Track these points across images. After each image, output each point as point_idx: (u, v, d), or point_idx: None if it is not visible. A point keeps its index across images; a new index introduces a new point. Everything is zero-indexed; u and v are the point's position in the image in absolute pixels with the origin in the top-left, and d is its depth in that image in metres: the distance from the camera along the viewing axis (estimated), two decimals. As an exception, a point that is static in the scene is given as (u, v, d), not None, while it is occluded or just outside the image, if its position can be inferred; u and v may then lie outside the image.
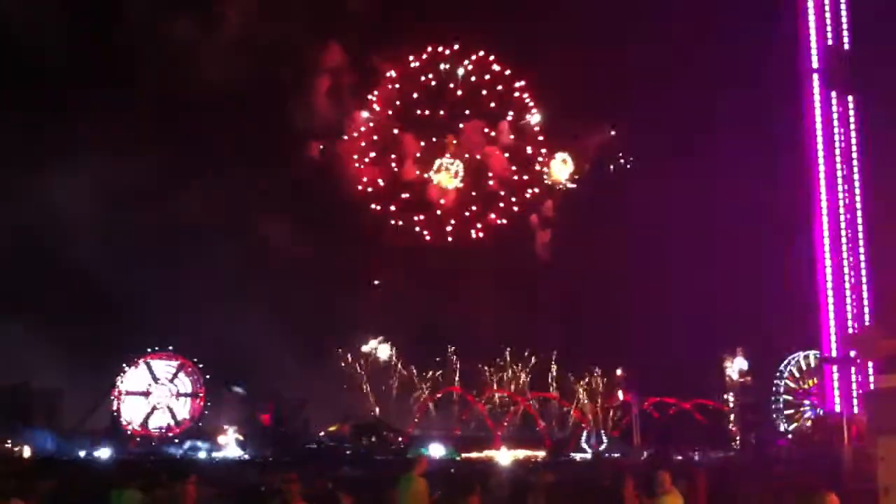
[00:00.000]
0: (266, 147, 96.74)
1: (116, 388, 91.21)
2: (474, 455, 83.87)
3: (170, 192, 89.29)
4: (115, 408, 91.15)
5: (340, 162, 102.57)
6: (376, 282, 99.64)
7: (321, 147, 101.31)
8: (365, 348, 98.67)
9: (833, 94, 72.40)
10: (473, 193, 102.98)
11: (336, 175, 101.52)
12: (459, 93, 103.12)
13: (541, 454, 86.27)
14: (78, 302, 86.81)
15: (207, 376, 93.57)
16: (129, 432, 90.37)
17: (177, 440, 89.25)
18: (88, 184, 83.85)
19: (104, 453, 77.03)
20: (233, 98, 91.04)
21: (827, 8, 72.48)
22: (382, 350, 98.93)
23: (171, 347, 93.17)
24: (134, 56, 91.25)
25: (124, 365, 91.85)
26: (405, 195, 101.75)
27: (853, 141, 72.59)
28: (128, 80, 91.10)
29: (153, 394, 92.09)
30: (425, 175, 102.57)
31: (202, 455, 79.92)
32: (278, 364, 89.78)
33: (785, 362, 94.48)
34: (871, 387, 62.08)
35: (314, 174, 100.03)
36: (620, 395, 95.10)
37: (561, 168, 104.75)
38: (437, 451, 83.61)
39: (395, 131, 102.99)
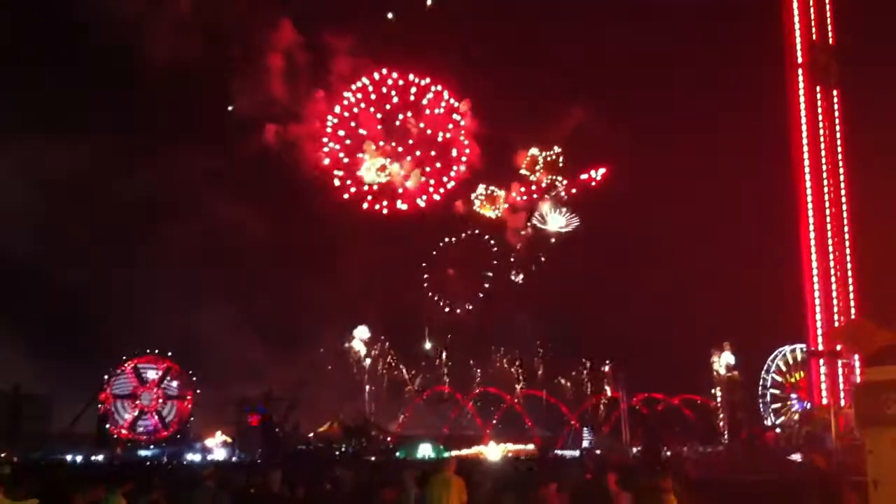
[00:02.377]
0: (218, 129, 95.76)
1: (103, 392, 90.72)
2: (463, 452, 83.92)
3: (127, 177, 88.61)
4: (101, 412, 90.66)
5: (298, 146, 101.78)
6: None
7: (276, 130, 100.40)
8: (351, 344, 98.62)
9: (818, 88, 72.67)
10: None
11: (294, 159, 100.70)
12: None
13: (530, 447, 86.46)
14: (52, 305, 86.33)
15: (195, 378, 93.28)
16: (115, 437, 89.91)
17: (164, 444, 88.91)
18: (26, 168, 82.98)
19: (91, 457, 76.70)
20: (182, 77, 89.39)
21: (811, 3, 72.79)
22: (359, 342, 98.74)
23: (157, 351, 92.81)
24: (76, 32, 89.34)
25: (112, 368, 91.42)
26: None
27: (838, 136, 72.93)
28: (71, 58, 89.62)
29: (140, 397, 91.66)
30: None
31: (195, 458, 79.57)
32: (263, 363, 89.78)
33: (772, 356, 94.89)
34: (859, 380, 62.51)
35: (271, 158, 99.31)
36: (608, 391, 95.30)
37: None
38: (425, 450, 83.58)
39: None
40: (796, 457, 46.71)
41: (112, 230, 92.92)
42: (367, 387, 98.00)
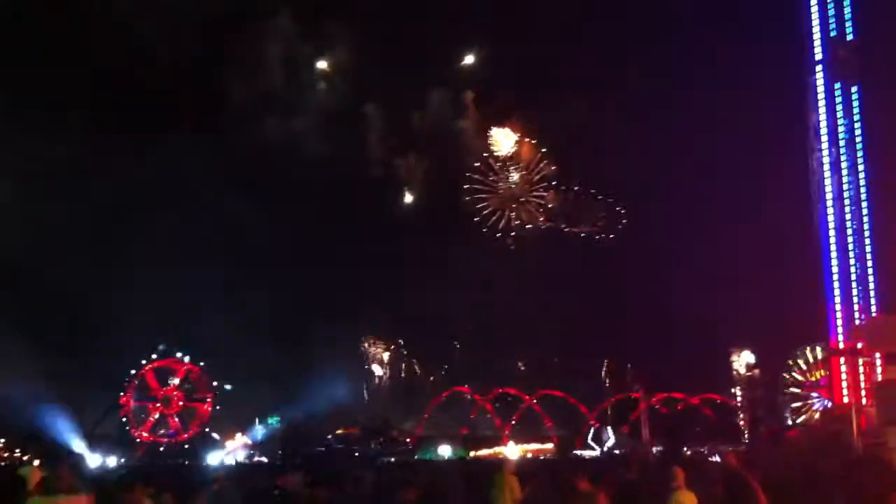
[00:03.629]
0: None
1: (124, 396, 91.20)
2: (483, 453, 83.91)
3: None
4: (123, 416, 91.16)
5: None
6: None
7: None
8: (370, 346, 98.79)
9: (837, 84, 72.17)
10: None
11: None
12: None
13: (548, 446, 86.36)
14: (71, 312, 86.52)
15: (214, 382, 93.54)
16: (137, 440, 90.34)
17: (186, 446, 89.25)
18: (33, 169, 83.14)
19: (113, 461, 77.14)
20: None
21: (829, -1, 72.38)
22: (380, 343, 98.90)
23: (177, 354, 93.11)
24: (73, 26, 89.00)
25: (132, 372, 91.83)
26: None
27: (857, 132, 72.38)
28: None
29: (161, 401, 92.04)
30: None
31: (216, 460, 79.82)
32: (283, 365, 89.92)
33: (792, 355, 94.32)
34: (880, 378, 61.97)
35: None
36: (629, 392, 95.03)
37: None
38: (445, 451, 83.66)
39: None
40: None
41: (139, 233, 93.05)
42: (388, 387, 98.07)
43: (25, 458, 75.49)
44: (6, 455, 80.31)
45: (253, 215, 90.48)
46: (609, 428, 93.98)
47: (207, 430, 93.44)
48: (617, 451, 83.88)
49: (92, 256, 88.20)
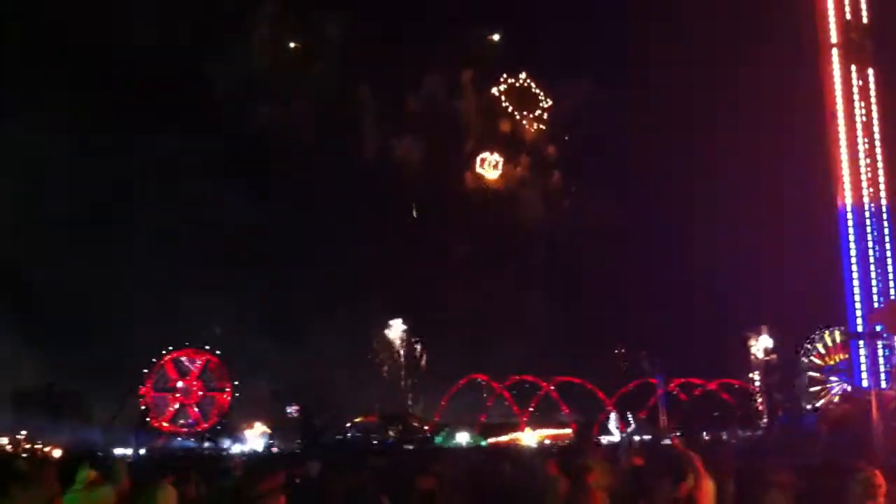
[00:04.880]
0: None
1: (143, 386, 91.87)
2: (500, 440, 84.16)
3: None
4: (142, 405, 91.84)
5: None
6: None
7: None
8: (388, 333, 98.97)
9: (853, 67, 71.75)
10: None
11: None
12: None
13: (566, 431, 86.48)
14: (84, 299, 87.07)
15: (233, 370, 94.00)
16: (157, 428, 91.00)
17: (207, 435, 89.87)
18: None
19: (133, 449, 77.80)
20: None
21: (843, -19, 71.87)
22: (395, 331, 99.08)
23: (196, 343, 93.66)
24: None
25: (152, 361, 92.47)
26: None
27: (874, 114, 72.00)
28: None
29: (180, 390, 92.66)
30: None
31: (235, 449, 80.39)
32: (298, 353, 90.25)
33: (810, 339, 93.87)
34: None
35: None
36: (646, 376, 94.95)
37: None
38: (462, 438, 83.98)
39: None
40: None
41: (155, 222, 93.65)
42: (405, 374, 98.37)
43: (47, 449, 76.35)
44: (28, 447, 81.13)
45: (254, 206, 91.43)
46: (628, 414, 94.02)
47: (226, 419, 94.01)
48: (637, 437, 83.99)
49: (95, 249, 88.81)
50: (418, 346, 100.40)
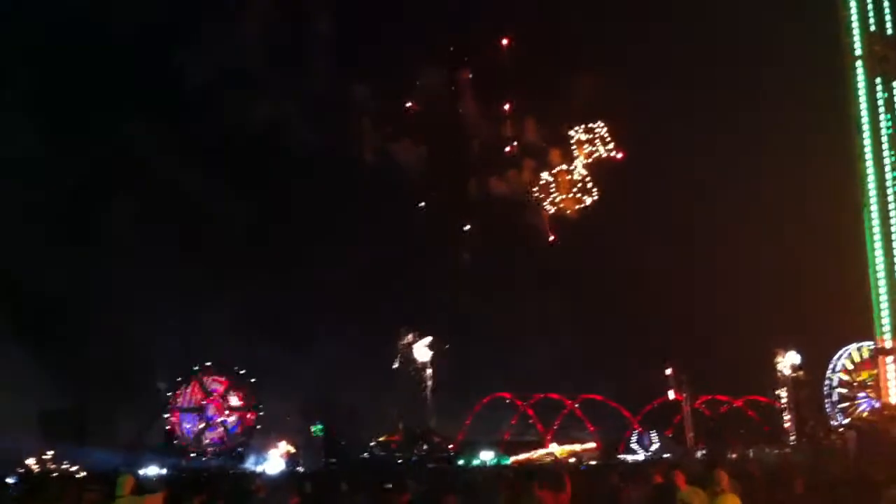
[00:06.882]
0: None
1: (170, 405, 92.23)
2: (523, 457, 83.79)
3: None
4: (168, 424, 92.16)
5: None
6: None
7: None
8: (412, 349, 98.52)
9: (878, 80, 71.29)
10: None
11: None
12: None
13: (590, 445, 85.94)
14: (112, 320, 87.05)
15: (259, 390, 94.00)
16: (183, 448, 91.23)
17: (234, 454, 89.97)
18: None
19: (158, 469, 77.99)
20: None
21: (867, -7, 71.53)
22: (421, 352, 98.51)
23: (226, 364, 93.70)
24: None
25: (178, 382, 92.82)
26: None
27: (900, 127, 71.43)
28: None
29: (205, 410, 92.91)
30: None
31: (260, 469, 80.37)
32: (322, 372, 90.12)
33: (838, 355, 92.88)
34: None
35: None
36: (671, 394, 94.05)
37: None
38: (487, 456, 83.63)
39: None
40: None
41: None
42: (428, 394, 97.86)
43: (74, 468, 76.75)
44: (53, 467, 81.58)
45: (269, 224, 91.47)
46: (653, 431, 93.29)
47: (252, 439, 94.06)
48: (664, 455, 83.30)
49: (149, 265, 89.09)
50: (440, 363, 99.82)
